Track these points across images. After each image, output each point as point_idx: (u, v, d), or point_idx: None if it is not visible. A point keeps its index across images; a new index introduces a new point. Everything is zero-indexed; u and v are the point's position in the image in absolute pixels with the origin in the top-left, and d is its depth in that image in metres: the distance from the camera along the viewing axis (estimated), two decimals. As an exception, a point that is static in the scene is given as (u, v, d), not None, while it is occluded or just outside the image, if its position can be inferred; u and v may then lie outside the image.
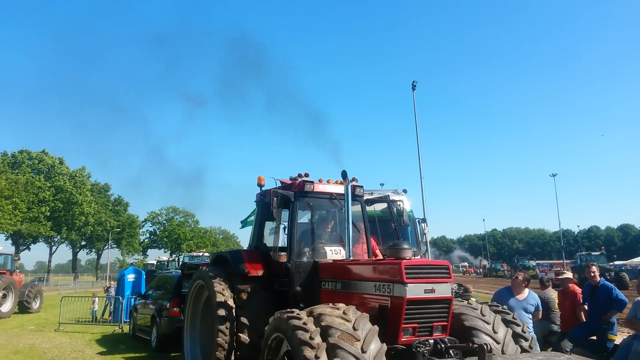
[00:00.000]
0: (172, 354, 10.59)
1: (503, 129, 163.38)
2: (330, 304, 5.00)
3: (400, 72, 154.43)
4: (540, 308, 7.43)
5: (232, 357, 6.19)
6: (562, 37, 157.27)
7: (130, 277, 17.92)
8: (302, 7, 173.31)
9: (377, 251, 7.23)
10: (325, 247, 6.71)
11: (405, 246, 5.12)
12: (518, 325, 5.42)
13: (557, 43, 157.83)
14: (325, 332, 4.34)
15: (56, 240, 64.02)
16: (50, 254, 64.83)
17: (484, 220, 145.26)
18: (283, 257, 6.52)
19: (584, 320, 7.56)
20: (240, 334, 6.14)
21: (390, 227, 7.26)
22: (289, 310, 4.89)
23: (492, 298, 7.64)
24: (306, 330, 4.35)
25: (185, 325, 7.89)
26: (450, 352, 4.68)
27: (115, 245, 73.04)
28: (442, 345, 4.68)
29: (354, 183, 6.79)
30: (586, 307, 7.60)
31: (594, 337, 7.47)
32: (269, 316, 5.16)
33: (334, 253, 6.64)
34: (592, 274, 7.52)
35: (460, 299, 6.14)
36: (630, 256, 59.09)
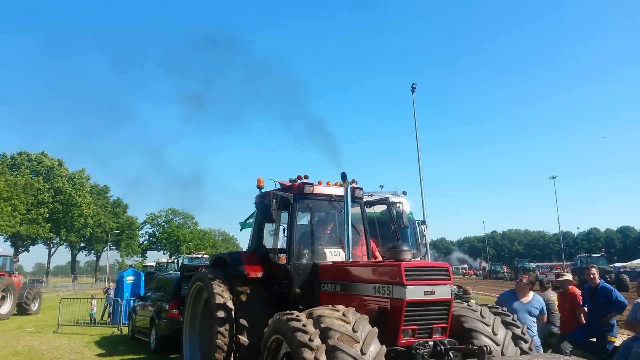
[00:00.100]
0: (171, 356, 10.57)
1: (503, 132, 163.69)
2: (330, 306, 4.99)
3: (400, 74, 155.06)
4: (545, 311, 7.36)
5: (232, 359, 6.17)
6: (562, 40, 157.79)
7: (130, 278, 17.90)
8: (302, 10, 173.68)
9: (377, 253, 7.22)
10: (324, 249, 6.71)
11: (405, 248, 5.12)
12: (518, 327, 5.42)
13: (556, 46, 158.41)
14: (324, 334, 4.33)
15: (55, 242, 63.97)
16: (49, 256, 64.85)
17: (483, 222, 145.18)
18: (282, 258, 6.50)
19: (584, 322, 7.56)
20: (240, 336, 6.12)
21: (389, 229, 7.25)
22: (288, 312, 4.89)
23: (496, 301, 7.60)
24: (305, 332, 4.34)
25: (185, 327, 7.87)
26: (450, 354, 4.66)
27: (114, 247, 73.01)
28: (442, 347, 4.67)
29: (354, 185, 6.79)
30: (586, 309, 7.60)
31: (594, 339, 7.47)
32: (269, 318, 5.15)
33: (333, 255, 6.63)
34: (592, 276, 7.52)
35: (459, 301, 6.13)
36: (630, 258, 59.13)
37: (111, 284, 23.57)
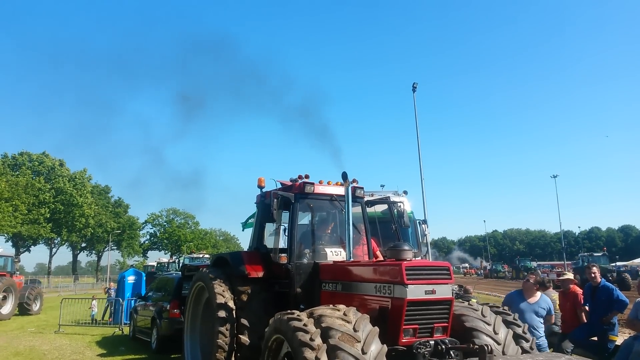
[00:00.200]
0: (172, 356, 10.58)
1: (504, 131, 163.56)
2: (331, 305, 4.99)
3: (401, 74, 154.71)
4: (553, 312, 7.26)
5: (233, 359, 6.17)
6: (562, 40, 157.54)
7: (131, 278, 17.92)
8: (302, 10, 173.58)
9: (378, 252, 7.22)
10: (325, 249, 6.71)
11: (406, 247, 5.11)
12: (519, 326, 5.41)
13: (556, 46, 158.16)
14: (325, 334, 4.33)
15: (56, 242, 64.05)
16: (51, 256, 64.93)
17: (484, 221, 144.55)
18: (283, 258, 6.51)
19: (585, 321, 7.55)
20: (241, 336, 6.13)
21: (390, 228, 7.25)
22: (289, 311, 4.89)
23: (503, 301, 7.56)
24: (306, 332, 4.34)
25: (186, 327, 7.88)
26: (451, 353, 4.67)
27: (115, 247, 73.06)
28: (443, 347, 4.67)
29: (355, 184, 6.79)
30: (587, 308, 7.59)
31: (595, 338, 7.46)
32: (269, 318, 5.15)
33: (334, 254, 6.63)
34: (593, 275, 7.51)
35: (460, 300, 6.13)
36: (631, 257, 59.14)
37: (112, 283, 23.60)
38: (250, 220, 11.69)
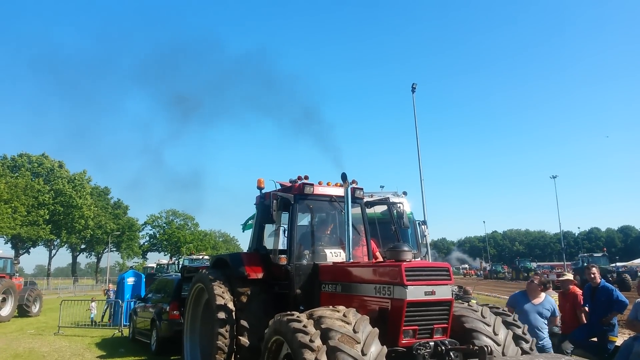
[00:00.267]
0: (172, 357, 10.56)
1: (503, 131, 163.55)
2: (331, 307, 4.98)
3: (400, 74, 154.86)
4: (557, 314, 7.21)
5: (232, 360, 6.17)
6: (562, 40, 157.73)
7: (130, 280, 17.90)
8: (301, 11, 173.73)
9: (377, 253, 7.22)
10: (325, 250, 6.71)
11: (406, 248, 5.11)
12: (519, 327, 5.41)
13: (556, 46, 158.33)
14: (325, 335, 4.33)
15: (56, 243, 63.95)
16: (50, 258, 64.86)
17: (484, 222, 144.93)
18: (283, 259, 6.50)
19: (585, 321, 7.56)
20: (240, 337, 6.12)
21: (390, 229, 7.24)
22: (289, 312, 4.88)
23: (507, 302, 7.55)
24: (306, 333, 4.34)
25: (185, 329, 7.87)
26: (451, 354, 4.66)
27: (115, 249, 72.98)
28: (443, 348, 4.67)
29: (354, 185, 6.79)
30: (587, 308, 7.59)
31: (595, 339, 7.47)
32: (269, 319, 5.15)
33: (334, 255, 6.63)
34: (593, 276, 7.52)
35: (460, 301, 6.12)
36: (631, 258, 59.18)
37: (110, 285, 23.57)
38: (250, 222, 11.69)
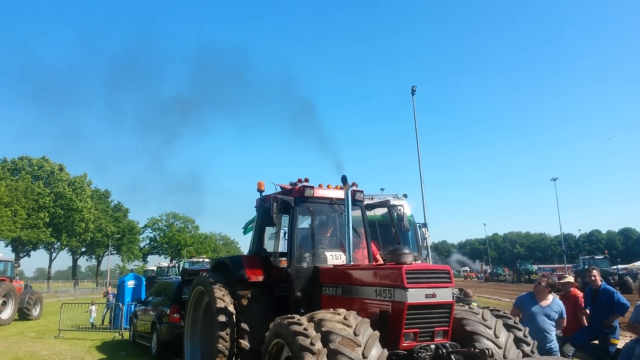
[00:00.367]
0: (172, 361, 10.56)
1: (503, 134, 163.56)
2: (331, 310, 4.98)
3: (400, 76, 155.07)
4: (565, 316, 7.08)
5: (233, 363, 6.16)
6: (562, 40, 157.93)
7: (131, 283, 17.88)
8: (301, 13, 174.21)
9: (378, 256, 7.21)
10: (325, 252, 6.69)
11: (406, 251, 5.12)
12: (520, 329, 5.40)
13: (556, 46, 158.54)
14: (326, 338, 4.32)
15: (56, 246, 63.96)
16: (50, 261, 64.83)
17: (484, 224, 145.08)
18: (283, 262, 6.50)
19: (586, 324, 7.54)
20: (241, 340, 6.11)
21: (390, 231, 7.25)
22: (289, 315, 4.88)
23: (514, 304, 7.51)
24: (307, 336, 4.34)
25: (186, 332, 7.86)
26: (452, 357, 4.66)
27: (115, 252, 72.98)
28: (444, 351, 4.67)
29: (354, 188, 6.79)
30: (588, 311, 7.57)
31: (596, 342, 7.45)
32: (270, 322, 5.15)
33: (334, 258, 6.62)
34: (593, 278, 7.51)
35: (461, 304, 6.12)
36: (632, 260, 59.10)
37: (110, 287, 23.55)
38: (250, 225, 11.69)
